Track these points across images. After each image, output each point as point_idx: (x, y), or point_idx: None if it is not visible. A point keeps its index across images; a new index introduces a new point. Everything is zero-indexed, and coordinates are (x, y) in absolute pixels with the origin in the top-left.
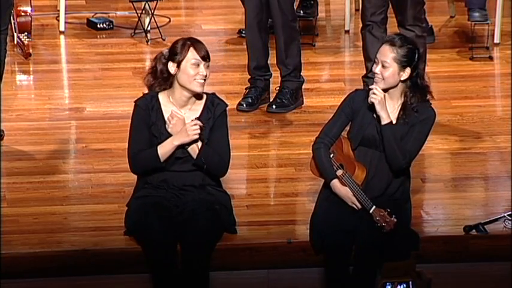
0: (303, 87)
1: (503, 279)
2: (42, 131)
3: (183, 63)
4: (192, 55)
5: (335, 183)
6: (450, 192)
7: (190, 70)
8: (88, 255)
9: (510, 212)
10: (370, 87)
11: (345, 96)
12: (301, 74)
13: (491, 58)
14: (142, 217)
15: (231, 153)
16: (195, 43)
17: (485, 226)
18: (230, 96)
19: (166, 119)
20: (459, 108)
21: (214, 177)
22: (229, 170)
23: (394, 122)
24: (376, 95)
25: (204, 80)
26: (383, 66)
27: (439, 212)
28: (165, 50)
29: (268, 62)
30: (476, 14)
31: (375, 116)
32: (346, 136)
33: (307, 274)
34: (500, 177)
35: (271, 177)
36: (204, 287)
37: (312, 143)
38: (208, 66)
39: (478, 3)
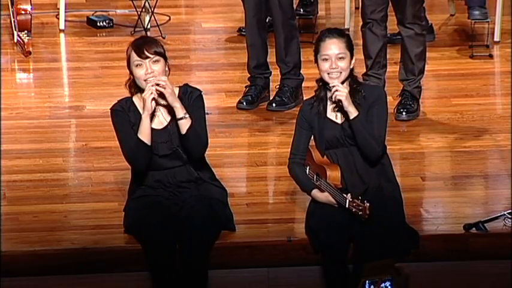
0: (303, 85)
1: (503, 278)
2: (42, 129)
3: (131, 68)
4: (133, 57)
5: (314, 193)
6: (450, 190)
7: (137, 72)
8: (88, 253)
9: (510, 210)
10: (331, 85)
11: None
12: (301, 72)
13: (491, 56)
14: (141, 216)
15: (209, 139)
16: (137, 44)
17: (485, 224)
18: (230, 95)
19: None
20: (459, 106)
21: (193, 157)
22: (229, 168)
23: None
24: (341, 91)
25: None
26: (340, 58)
27: (438, 210)
28: None
29: (268, 60)
30: (476, 12)
31: (328, 117)
32: (313, 145)
33: (307, 272)
34: (500, 175)
35: (271, 175)
36: (203, 286)
37: (287, 165)
38: (156, 61)
39: (478, 1)
